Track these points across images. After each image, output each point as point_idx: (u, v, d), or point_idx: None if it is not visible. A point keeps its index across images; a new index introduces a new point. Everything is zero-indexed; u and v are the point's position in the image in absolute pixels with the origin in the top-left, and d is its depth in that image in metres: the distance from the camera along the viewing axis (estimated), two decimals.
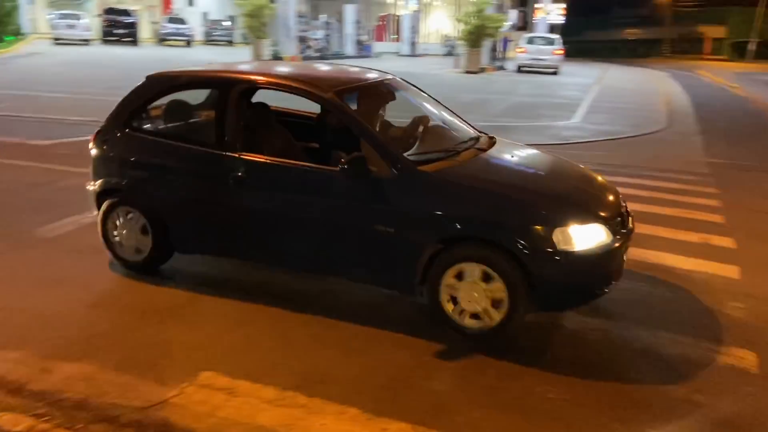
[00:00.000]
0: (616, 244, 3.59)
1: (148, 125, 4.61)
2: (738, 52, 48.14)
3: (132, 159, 4.38)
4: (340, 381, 3.31)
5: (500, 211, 3.53)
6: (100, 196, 4.52)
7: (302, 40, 29.35)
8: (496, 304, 3.56)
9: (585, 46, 49.67)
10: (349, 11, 33.59)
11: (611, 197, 3.97)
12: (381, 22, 41.60)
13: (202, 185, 4.15)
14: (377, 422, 2.96)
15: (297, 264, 4.19)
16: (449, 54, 35.52)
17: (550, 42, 26.88)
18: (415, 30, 38.37)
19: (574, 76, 25.71)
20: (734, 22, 52.04)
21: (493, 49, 28.57)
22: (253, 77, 4.25)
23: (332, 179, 3.75)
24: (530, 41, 27.16)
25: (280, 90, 4.14)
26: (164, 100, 4.60)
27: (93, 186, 4.58)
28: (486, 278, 3.53)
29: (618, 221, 3.75)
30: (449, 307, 3.68)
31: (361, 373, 3.39)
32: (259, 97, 4.80)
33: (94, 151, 4.57)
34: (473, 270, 3.54)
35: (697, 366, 3.59)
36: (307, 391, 3.20)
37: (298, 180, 3.93)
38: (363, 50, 34.11)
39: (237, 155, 4.00)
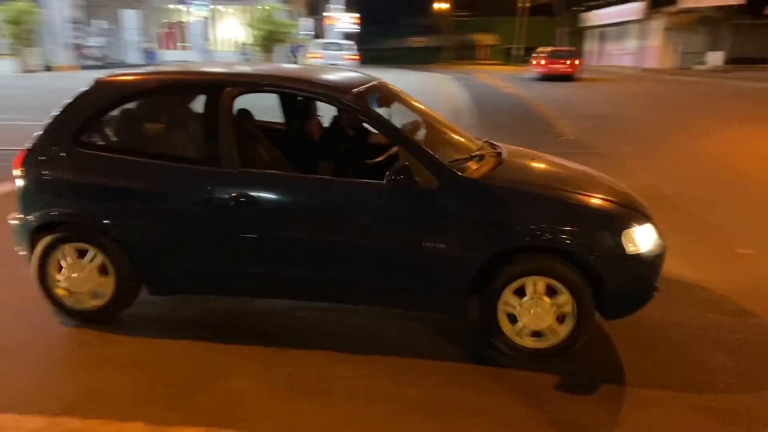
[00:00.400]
0: (665, 241, 3.45)
1: (101, 140, 3.73)
2: (508, 56, 54.14)
3: (86, 183, 3.54)
4: (119, 397, 3.02)
5: (568, 218, 3.23)
6: (35, 232, 3.61)
7: (77, 47, 26.89)
8: (560, 318, 3.27)
9: (380, 53, 52.18)
10: (129, 17, 31.54)
11: (635, 195, 3.78)
12: (169, 29, 39.60)
13: (190, 210, 3.43)
14: None
15: (321, 294, 3.59)
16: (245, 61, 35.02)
17: (344, 48, 27.94)
18: (205, 37, 37.16)
19: None
20: (502, 30, 58.56)
21: (288, 55, 28.86)
22: (253, 79, 3.74)
23: (369, 194, 3.30)
24: (325, 47, 28.02)
25: (288, 92, 3.94)
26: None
27: (22, 219, 3.65)
28: (550, 293, 3.23)
29: None
30: (507, 326, 3.33)
31: (145, 386, 3.13)
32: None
33: (23, 176, 3.62)
34: (537, 284, 3.22)
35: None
36: (82, 413, 2.87)
37: (325, 196, 3.40)
38: (149, 58, 32.25)
39: (236, 171, 3.38)
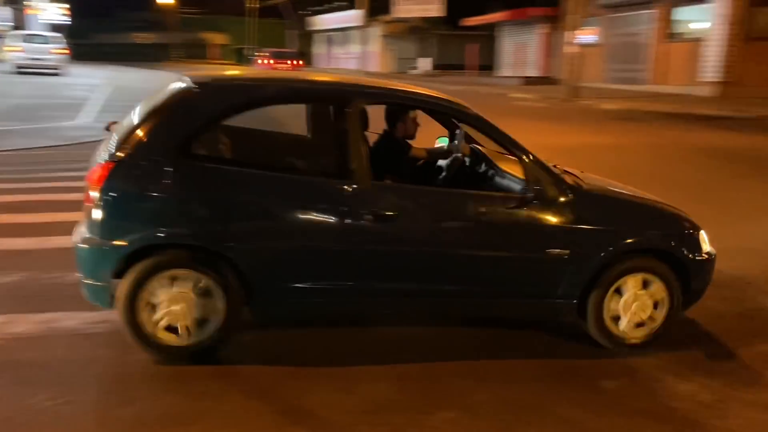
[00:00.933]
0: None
1: (214, 151, 3.41)
2: (240, 57, 53.76)
3: (201, 199, 3.12)
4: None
5: (664, 223, 3.68)
6: (127, 258, 3.03)
7: None
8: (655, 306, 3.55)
9: (96, 48, 47.61)
10: None
11: None
12: None
13: (318, 227, 3.20)
14: None
15: (443, 308, 3.60)
16: None
17: (50, 41, 24.85)
18: None
19: (84, 77, 24.54)
20: (233, 30, 57.93)
21: None
22: (383, 92, 3.66)
23: (500, 206, 3.38)
24: (27, 40, 24.58)
25: (412, 106, 3.88)
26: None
27: (103, 244, 3.05)
28: (644, 285, 3.53)
29: None
30: (610, 323, 3.53)
31: None
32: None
33: (106, 194, 3.02)
34: (636, 281, 3.50)
35: None
36: None
37: (456, 209, 3.40)
38: None
39: (369, 185, 3.23)
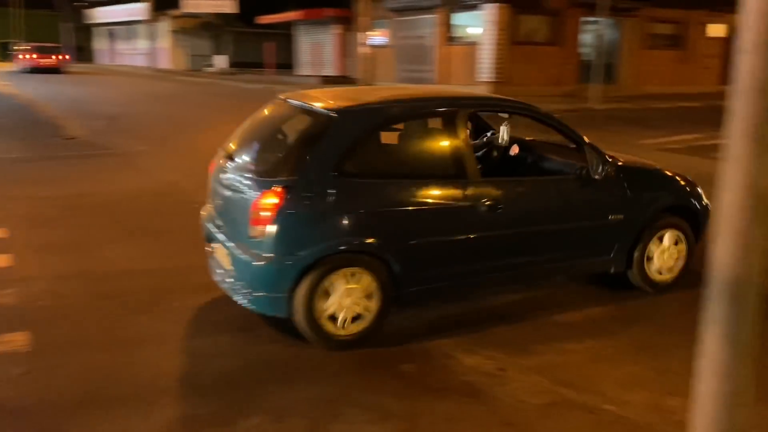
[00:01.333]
0: None
1: (363, 168, 3.77)
2: (5, 52, 47.18)
3: (360, 211, 3.58)
4: None
5: (687, 188, 4.61)
6: (306, 269, 3.43)
7: None
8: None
9: None
10: None
11: None
12: None
13: (452, 220, 3.82)
14: None
15: (537, 275, 4.41)
16: None
17: None
18: None
19: None
20: None
21: None
22: (481, 102, 4.77)
23: (576, 186, 4.21)
24: None
25: (501, 111, 4.71)
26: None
27: (284, 259, 3.43)
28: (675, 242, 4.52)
29: None
30: (647, 267, 4.46)
31: None
32: None
33: (282, 216, 3.40)
34: (672, 235, 4.47)
35: None
36: None
37: (547, 193, 4.22)
38: None
39: (481, 180, 3.90)
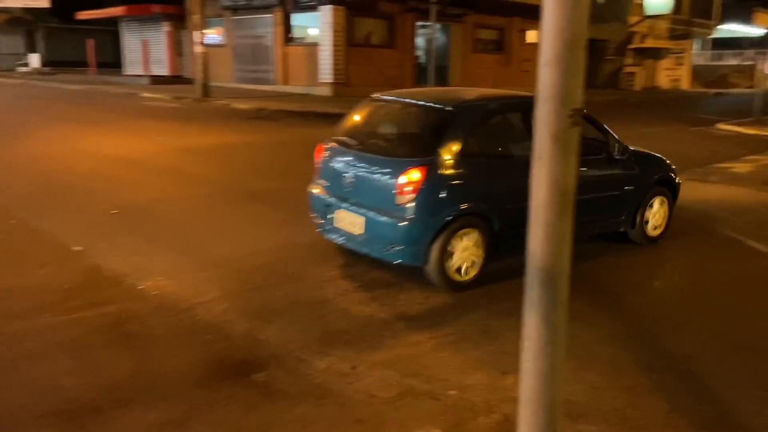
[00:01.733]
0: None
1: (476, 149, 4.88)
2: None
3: (476, 183, 4.75)
4: None
5: (667, 165, 6.22)
6: (444, 227, 4.58)
7: None
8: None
9: None
10: None
11: None
12: None
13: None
14: None
15: (582, 233, 4.64)
16: None
17: None
18: None
19: None
20: None
21: None
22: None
23: (605, 164, 5.56)
24: None
25: None
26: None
27: (427, 219, 4.53)
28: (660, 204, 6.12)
29: None
30: (646, 227, 6.04)
31: None
32: None
33: (425, 188, 4.50)
34: (660, 200, 6.06)
35: None
36: None
37: (593, 169, 5.44)
38: None
39: None
